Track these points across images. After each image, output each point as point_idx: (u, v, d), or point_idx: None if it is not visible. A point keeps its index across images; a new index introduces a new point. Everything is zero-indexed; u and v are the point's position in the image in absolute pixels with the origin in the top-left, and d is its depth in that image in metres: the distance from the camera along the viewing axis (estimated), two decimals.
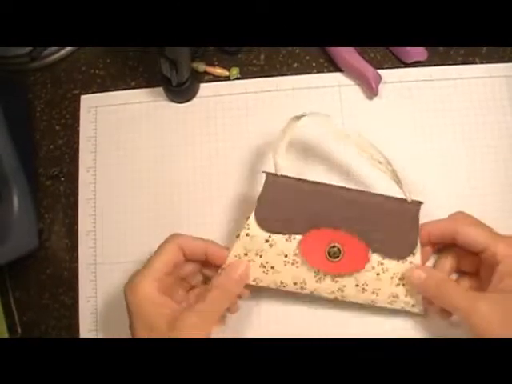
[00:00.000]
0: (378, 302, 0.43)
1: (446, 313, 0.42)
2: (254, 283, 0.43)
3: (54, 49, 0.54)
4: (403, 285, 0.43)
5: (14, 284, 0.51)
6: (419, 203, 0.43)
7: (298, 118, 0.44)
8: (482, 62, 0.53)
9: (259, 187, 0.49)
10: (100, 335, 0.49)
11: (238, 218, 0.50)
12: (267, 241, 0.42)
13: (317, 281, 0.43)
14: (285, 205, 0.43)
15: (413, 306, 0.43)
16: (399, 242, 0.42)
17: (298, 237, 0.42)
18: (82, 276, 0.50)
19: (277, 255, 0.42)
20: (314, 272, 0.42)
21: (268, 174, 0.43)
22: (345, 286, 0.43)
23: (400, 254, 0.42)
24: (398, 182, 0.43)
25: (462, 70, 0.52)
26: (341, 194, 0.43)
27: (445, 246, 0.45)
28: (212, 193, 0.51)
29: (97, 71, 0.55)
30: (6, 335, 0.49)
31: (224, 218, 0.50)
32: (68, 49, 0.54)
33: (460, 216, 0.43)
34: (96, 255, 0.50)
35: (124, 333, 0.44)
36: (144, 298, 0.39)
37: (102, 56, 0.55)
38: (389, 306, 0.43)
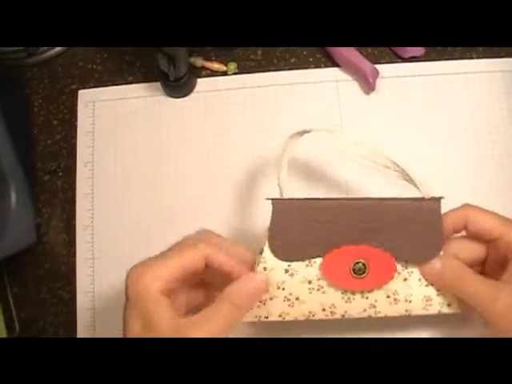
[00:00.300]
0: (413, 311, 0.40)
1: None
2: (280, 319, 0.40)
3: None
4: (432, 284, 0.40)
5: (12, 279, 0.51)
6: (439, 198, 0.40)
7: (300, 134, 0.42)
8: (478, 57, 0.53)
9: (257, 183, 0.50)
10: (97, 330, 0.49)
11: (237, 212, 0.50)
12: (287, 271, 0.39)
13: (346, 301, 0.40)
14: (298, 229, 0.39)
15: (448, 305, 0.40)
16: (423, 244, 0.40)
17: (319, 260, 0.39)
18: (80, 271, 0.50)
19: (300, 283, 0.39)
20: (342, 292, 0.40)
21: (274, 201, 0.39)
22: (376, 300, 0.40)
23: (426, 256, 0.39)
24: (411, 181, 0.41)
25: (458, 65, 0.52)
26: (354, 206, 0.40)
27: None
28: (210, 188, 0.51)
29: (94, 66, 0.55)
30: (3, 331, 0.49)
31: (222, 213, 0.50)
32: None
33: (469, 205, 0.41)
34: (93, 250, 0.50)
35: (121, 329, 0.44)
36: (143, 291, 0.36)
37: (99, 51, 0.55)
38: (425, 312, 0.40)
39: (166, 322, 0.35)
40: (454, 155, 0.51)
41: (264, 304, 0.39)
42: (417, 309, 0.40)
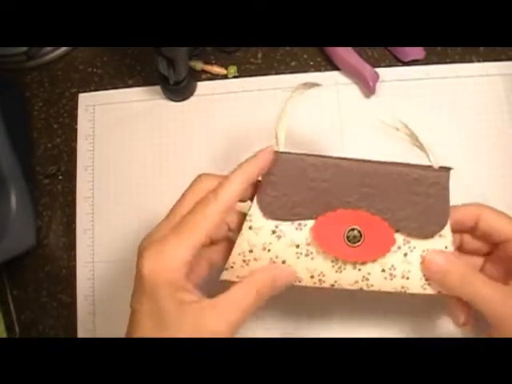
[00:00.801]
0: (410, 288, 0.37)
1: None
2: None
3: (51, 47, 0.54)
4: (430, 284, 0.37)
5: (12, 282, 0.51)
6: (448, 169, 0.37)
7: (308, 86, 0.38)
8: (479, 61, 0.53)
9: None
10: (97, 333, 0.49)
11: None
12: (274, 232, 0.37)
13: (336, 271, 0.37)
14: (292, 185, 0.37)
15: None
16: (427, 218, 0.37)
17: (310, 223, 0.37)
18: (80, 274, 0.50)
19: (287, 247, 0.37)
20: (332, 261, 0.37)
21: None
22: (370, 273, 0.37)
23: (429, 231, 0.37)
24: (421, 146, 0.38)
25: (458, 69, 0.52)
26: (356, 167, 0.37)
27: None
28: None
29: (94, 70, 0.55)
30: (3, 334, 0.49)
31: None
32: (65, 47, 0.54)
33: (482, 204, 0.39)
34: (94, 253, 0.50)
35: (122, 331, 0.44)
36: (165, 279, 0.32)
37: (99, 55, 0.55)
38: (422, 291, 0.37)
39: (187, 318, 0.33)
40: (454, 158, 0.50)
41: (247, 265, 0.37)
42: (414, 287, 0.38)
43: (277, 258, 0.37)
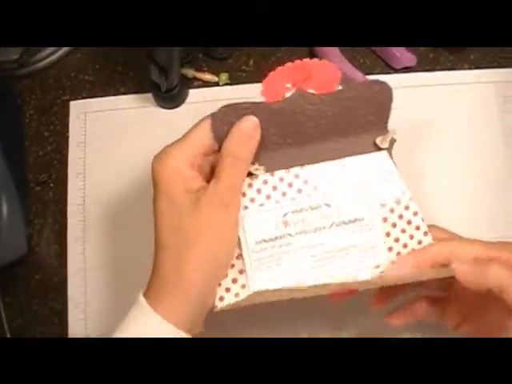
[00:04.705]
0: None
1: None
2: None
3: (42, 55, 0.54)
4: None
5: (4, 290, 0.51)
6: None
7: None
8: (470, 68, 0.53)
9: None
10: None
11: None
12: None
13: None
14: None
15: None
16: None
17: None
18: (71, 282, 0.50)
19: None
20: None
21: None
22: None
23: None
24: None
25: (450, 76, 0.53)
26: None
27: None
28: None
29: (86, 77, 0.55)
30: None
31: None
32: (57, 55, 0.55)
33: (449, 240, 0.39)
34: (85, 261, 0.50)
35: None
36: (172, 169, 0.36)
37: (91, 62, 0.55)
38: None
39: (189, 192, 0.36)
40: (446, 165, 0.51)
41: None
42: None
43: None
